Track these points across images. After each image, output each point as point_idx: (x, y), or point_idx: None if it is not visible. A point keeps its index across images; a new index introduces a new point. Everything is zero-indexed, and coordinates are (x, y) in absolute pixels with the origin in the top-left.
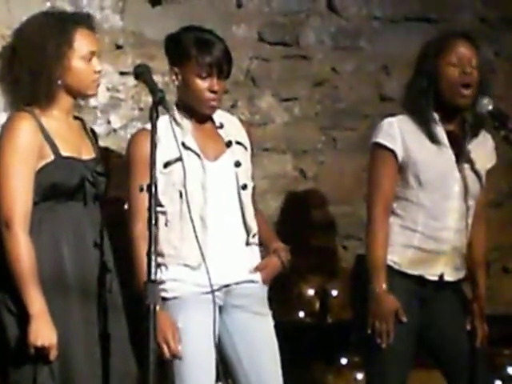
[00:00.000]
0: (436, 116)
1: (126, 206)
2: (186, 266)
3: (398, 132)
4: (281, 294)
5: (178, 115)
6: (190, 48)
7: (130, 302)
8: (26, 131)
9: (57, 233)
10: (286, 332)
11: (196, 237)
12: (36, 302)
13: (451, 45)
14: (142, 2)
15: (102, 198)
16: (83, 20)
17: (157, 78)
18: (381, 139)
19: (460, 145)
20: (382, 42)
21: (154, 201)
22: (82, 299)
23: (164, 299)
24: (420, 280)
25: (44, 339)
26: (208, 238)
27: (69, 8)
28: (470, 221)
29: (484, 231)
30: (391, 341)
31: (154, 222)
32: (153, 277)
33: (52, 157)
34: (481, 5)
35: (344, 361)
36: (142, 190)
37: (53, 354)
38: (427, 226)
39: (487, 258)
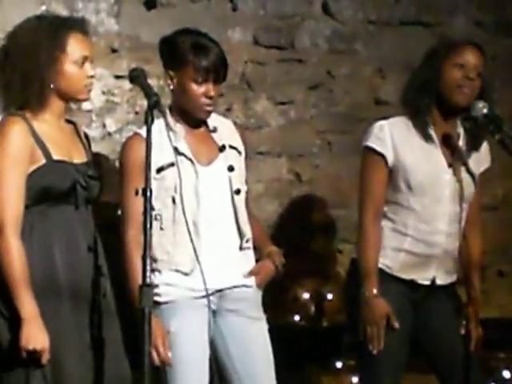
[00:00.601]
0: (429, 120)
1: (119, 211)
2: (178, 271)
3: (388, 136)
4: (276, 297)
5: (171, 120)
6: (186, 52)
7: (122, 306)
8: (17, 135)
9: (48, 237)
10: (281, 335)
11: (192, 242)
12: (28, 306)
13: (460, 48)
14: (137, 6)
15: (96, 201)
16: (77, 24)
17: (152, 82)
18: (371, 143)
19: (454, 147)
20: (378, 45)
21: (149, 205)
22: (74, 303)
23: (157, 303)
24: (412, 284)
25: (36, 343)
26: (201, 243)
27: (64, 11)
28: (462, 224)
29: (479, 234)
30: (382, 346)
31: (149, 225)
32: (147, 280)
33: (43, 160)
34: (476, 9)
35: (339, 364)
36: (137, 193)
37: (45, 358)
38: (418, 230)
39: (482, 261)
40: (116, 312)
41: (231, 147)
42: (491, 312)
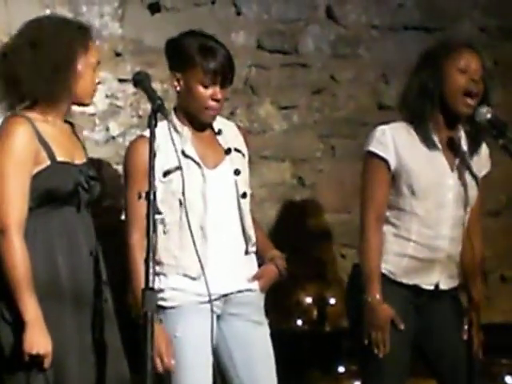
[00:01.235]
0: (431, 125)
1: (123, 216)
2: (186, 276)
3: (390, 140)
4: (279, 302)
5: (177, 122)
6: (194, 55)
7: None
8: (22, 136)
9: (51, 239)
10: (283, 340)
11: (195, 249)
12: (31, 309)
13: (460, 51)
14: (141, 10)
15: (96, 203)
16: (91, 31)
17: (156, 86)
18: (373, 148)
19: (457, 151)
20: (381, 50)
21: (153, 208)
22: (76, 306)
23: (163, 308)
24: (415, 289)
25: (39, 347)
26: (208, 248)
27: (68, 15)
28: (465, 228)
29: (480, 239)
30: (387, 350)
31: (152, 229)
32: (151, 284)
33: (48, 162)
34: (480, 14)
35: (341, 369)
36: (140, 197)
37: (47, 362)
38: (421, 235)
39: (484, 266)
40: (115, 315)
41: (236, 150)
42: (494, 317)
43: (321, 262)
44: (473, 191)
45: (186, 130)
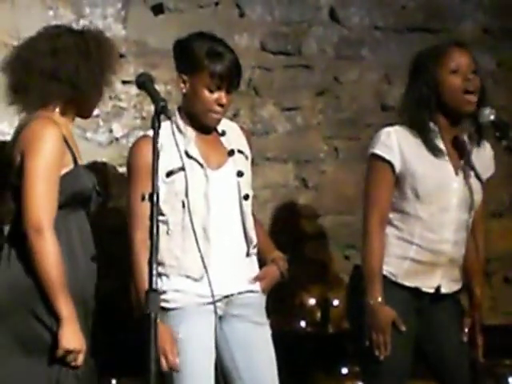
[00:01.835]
0: (435, 128)
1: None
2: (188, 277)
3: (395, 143)
4: (282, 303)
5: (181, 123)
6: (202, 59)
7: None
8: (53, 138)
9: (71, 242)
10: (286, 341)
11: (199, 250)
12: (67, 307)
13: (448, 53)
14: (144, 11)
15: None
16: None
17: (159, 87)
18: (378, 150)
19: (462, 152)
20: (384, 51)
21: (156, 210)
22: (86, 308)
23: (166, 310)
24: (416, 292)
25: (76, 343)
26: (210, 249)
27: (71, 16)
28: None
29: (482, 241)
30: (389, 352)
31: (155, 231)
32: (154, 286)
33: (72, 165)
34: (483, 15)
35: (345, 371)
36: (143, 198)
37: (81, 359)
38: (424, 239)
39: (488, 268)
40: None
41: (239, 152)
42: (497, 319)
43: (324, 263)
44: (477, 195)
45: (190, 131)
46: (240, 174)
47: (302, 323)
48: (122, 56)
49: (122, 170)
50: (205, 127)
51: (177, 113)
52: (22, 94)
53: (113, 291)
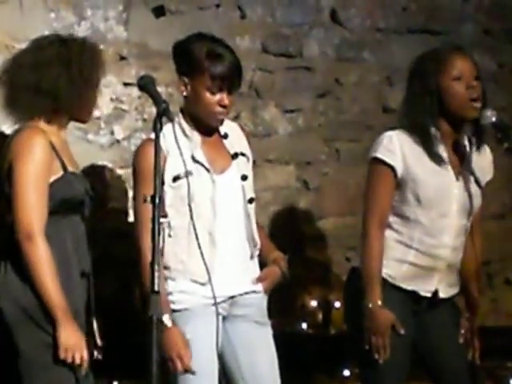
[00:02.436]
0: (437, 133)
1: (130, 218)
2: (195, 281)
3: (398, 147)
4: (284, 305)
5: (186, 126)
6: (202, 60)
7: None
8: (41, 146)
9: (65, 248)
10: (288, 343)
11: (202, 256)
12: (62, 309)
13: (450, 59)
14: (146, 13)
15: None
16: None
17: (161, 89)
18: (380, 154)
19: (463, 158)
20: (386, 53)
21: (158, 212)
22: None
23: (172, 311)
24: (414, 295)
25: (75, 340)
26: (216, 254)
27: (73, 18)
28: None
29: (480, 244)
30: (388, 355)
31: (157, 232)
32: (156, 288)
33: (61, 172)
34: (484, 17)
35: (346, 372)
36: (145, 200)
37: (78, 357)
38: (423, 243)
39: (489, 270)
40: None
41: (242, 154)
42: (499, 320)
43: (326, 265)
44: (477, 200)
45: (196, 135)
46: (244, 177)
47: (304, 325)
48: (123, 58)
49: (124, 172)
50: (208, 129)
51: (180, 115)
52: (12, 107)
53: (112, 292)
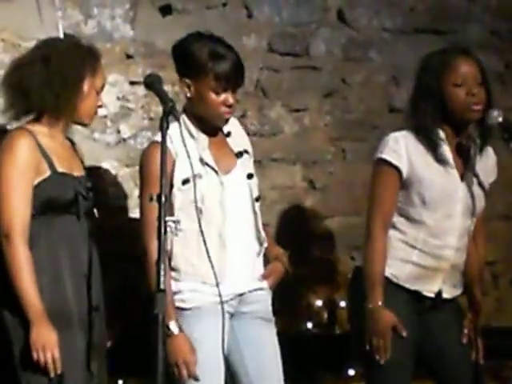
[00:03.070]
0: (442, 135)
1: (130, 214)
2: (205, 283)
3: (403, 148)
4: (289, 304)
5: (192, 128)
6: (205, 62)
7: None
8: (24, 147)
9: (55, 246)
10: (293, 342)
11: (211, 263)
12: (36, 309)
13: (453, 64)
14: (152, 12)
15: (104, 205)
16: (100, 56)
17: (167, 88)
18: (386, 155)
19: (467, 158)
20: (392, 53)
21: (164, 211)
22: (81, 325)
23: (181, 309)
24: (417, 295)
25: (46, 341)
26: (226, 255)
27: (79, 17)
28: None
29: (483, 245)
30: (389, 356)
31: (163, 231)
32: (161, 286)
33: (48, 172)
34: (491, 17)
35: (352, 372)
36: (151, 199)
37: (51, 357)
38: (427, 244)
39: (494, 270)
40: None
41: (245, 152)
42: (504, 321)
43: (331, 264)
44: (480, 202)
45: (202, 136)
46: (250, 176)
47: (309, 324)
48: (129, 57)
49: (129, 170)
50: (213, 129)
51: (184, 116)
52: (6, 108)
53: (114, 290)
